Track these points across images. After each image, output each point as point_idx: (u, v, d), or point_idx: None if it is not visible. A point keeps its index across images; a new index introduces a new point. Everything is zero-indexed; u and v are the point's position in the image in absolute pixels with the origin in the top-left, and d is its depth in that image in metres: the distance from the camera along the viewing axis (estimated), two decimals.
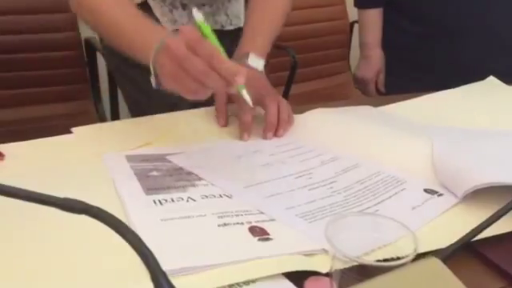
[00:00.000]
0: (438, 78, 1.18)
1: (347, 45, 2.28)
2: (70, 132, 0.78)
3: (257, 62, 0.86)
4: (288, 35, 2.01)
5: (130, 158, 0.70)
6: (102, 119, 1.69)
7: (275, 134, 0.82)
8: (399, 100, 0.98)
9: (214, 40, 0.66)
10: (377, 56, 1.36)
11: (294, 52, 1.79)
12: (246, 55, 0.85)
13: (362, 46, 1.40)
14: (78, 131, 0.78)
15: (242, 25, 1.12)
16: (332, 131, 0.82)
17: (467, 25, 1.21)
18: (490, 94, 1.08)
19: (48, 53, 1.64)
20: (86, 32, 1.73)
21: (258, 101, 0.82)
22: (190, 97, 0.64)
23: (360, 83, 1.42)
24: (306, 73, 1.98)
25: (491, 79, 1.14)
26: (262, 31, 0.95)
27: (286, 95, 1.85)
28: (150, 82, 0.71)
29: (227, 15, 1.10)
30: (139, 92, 1.05)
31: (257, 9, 0.98)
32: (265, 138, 0.82)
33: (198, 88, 0.62)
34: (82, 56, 1.71)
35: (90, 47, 1.69)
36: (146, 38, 0.71)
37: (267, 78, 0.90)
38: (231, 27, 1.11)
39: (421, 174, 0.68)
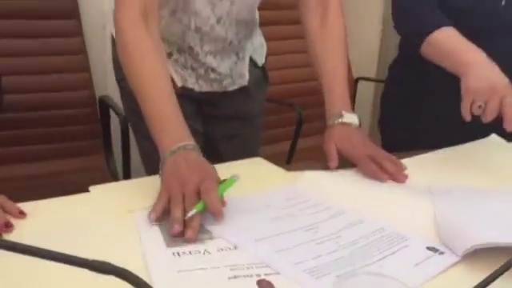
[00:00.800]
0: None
1: (352, 100, 2.35)
2: (87, 189, 0.82)
3: (352, 118, 0.97)
4: (294, 91, 2.09)
5: None
6: (114, 174, 1.73)
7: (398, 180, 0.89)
8: (403, 157, 1.01)
9: (222, 189, 0.74)
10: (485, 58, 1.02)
11: (299, 108, 1.85)
12: (340, 115, 0.96)
13: (461, 68, 1.02)
14: (96, 189, 0.82)
15: (245, 83, 1.19)
16: (339, 187, 0.85)
17: None
18: (491, 151, 1.11)
19: (64, 110, 1.71)
20: (100, 91, 1.81)
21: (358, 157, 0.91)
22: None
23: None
24: (313, 127, 2.04)
25: (493, 137, 1.17)
26: (339, 76, 1.03)
27: (292, 149, 1.90)
28: None
29: (232, 77, 1.17)
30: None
31: (324, 48, 1.05)
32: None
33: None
34: (96, 113, 1.77)
35: (104, 105, 1.76)
36: (166, 133, 0.80)
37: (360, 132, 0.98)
38: (234, 87, 1.18)
39: (423, 231, 0.71)
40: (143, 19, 0.87)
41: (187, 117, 0.92)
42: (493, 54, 1.02)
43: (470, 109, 0.96)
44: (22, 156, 1.65)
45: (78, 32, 1.74)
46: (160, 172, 0.78)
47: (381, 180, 0.88)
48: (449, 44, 1.08)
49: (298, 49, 2.04)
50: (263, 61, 1.26)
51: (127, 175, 1.68)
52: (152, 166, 1.18)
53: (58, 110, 1.70)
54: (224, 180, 0.76)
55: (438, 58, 1.11)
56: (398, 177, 0.89)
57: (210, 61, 1.10)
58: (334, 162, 0.93)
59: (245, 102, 1.22)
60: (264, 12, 1.21)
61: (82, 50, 1.74)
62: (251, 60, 1.21)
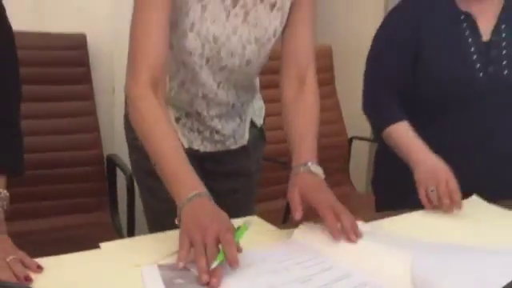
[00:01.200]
0: None
1: (347, 159, 2.45)
2: (94, 243, 0.89)
3: (317, 169, 1.03)
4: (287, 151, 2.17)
5: (161, 267, 0.82)
6: (118, 231, 1.81)
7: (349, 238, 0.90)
8: (390, 215, 1.09)
9: (238, 237, 0.84)
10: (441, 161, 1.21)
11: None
12: (306, 165, 1.01)
13: (412, 163, 1.24)
14: (106, 246, 0.91)
15: (246, 143, 1.29)
16: (329, 243, 0.92)
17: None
18: (473, 212, 1.17)
19: (74, 168, 1.81)
20: (108, 149, 1.91)
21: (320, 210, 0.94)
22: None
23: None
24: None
25: (475, 198, 1.25)
26: (309, 137, 1.09)
27: (287, 207, 1.97)
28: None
29: (234, 138, 1.27)
30: (157, 201, 1.20)
31: (296, 115, 1.13)
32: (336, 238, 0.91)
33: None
34: (103, 171, 1.87)
35: (111, 163, 1.86)
36: (180, 182, 0.90)
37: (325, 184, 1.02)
38: (236, 146, 1.28)
39: (402, 285, 0.79)
40: (153, 89, 0.98)
41: None
42: (467, 120, 1.16)
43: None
44: (34, 211, 1.73)
45: (90, 96, 1.86)
46: (177, 218, 0.87)
47: (333, 236, 0.91)
48: (400, 140, 1.29)
49: None
50: (261, 122, 1.36)
51: (131, 231, 1.75)
52: (154, 220, 1.27)
53: (69, 168, 1.80)
54: (238, 227, 0.86)
55: (393, 148, 1.31)
56: (351, 235, 0.91)
57: (216, 123, 1.21)
58: (299, 212, 0.96)
59: (244, 160, 1.32)
60: (263, 76, 1.32)
61: (92, 112, 1.86)
62: (251, 121, 1.32)
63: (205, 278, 0.76)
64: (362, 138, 2.45)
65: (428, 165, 1.20)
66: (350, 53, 2.46)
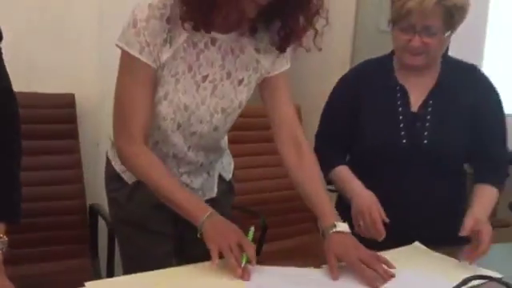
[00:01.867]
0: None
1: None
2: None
3: (343, 226, 1.24)
4: (259, 201, 2.34)
5: None
6: (98, 276, 1.92)
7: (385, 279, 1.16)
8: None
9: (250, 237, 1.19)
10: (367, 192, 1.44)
11: (264, 216, 2.11)
12: (334, 225, 1.23)
13: (350, 197, 1.46)
14: (91, 285, 1.05)
15: (214, 195, 1.46)
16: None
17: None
18: (414, 258, 1.34)
19: (59, 217, 1.95)
20: (91, 199, 2.06)
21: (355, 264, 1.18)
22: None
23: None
24: (277, 233, 2.29)
25: (417, 245, 1.43)
26: (326, 198, 1.30)
27: (257, 253, 2.12)
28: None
29: (202, 190, 1.44)
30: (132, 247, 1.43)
31: (307, 179, 1.32)
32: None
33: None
34: (86, 220, 2.01)
35: (94, 211, 2.00)
36: (194, 208, 1.19)
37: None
38: (205, 198, 1.42)
39: None
40: (146, 145, 1.22)
41: (159, 223, 1.32)
42: (396, 177, 1.45)
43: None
44: (20, 258, 1.84)
45: (76, 149, 2.03)
46: (199, 233, 1.15)
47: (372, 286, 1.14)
48: (341, 181, 1.54)
49: (263, 163, 2.35)
50: (230, 176, 1.53)
51: (110, 276, 1.86)
52: (131, 267, 1.42)
53: (54, 216, 1.94)
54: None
55: (338, 189, 1.56)
56: (385, 277, 1.16)
57: (185, 179, 1.38)
58: (335, 274, 1.18)
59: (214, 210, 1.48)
60: (231, 132, 1.48)
61: (78, 165, 2.02)
62: (220, 176, 1.49)
63: (239, 271, 1.09)
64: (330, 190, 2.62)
65: (355, 200, 1.43)
66: (318, 112, 2.67)
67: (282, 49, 1.27)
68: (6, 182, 1.15)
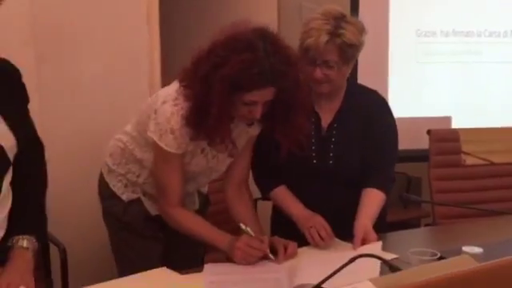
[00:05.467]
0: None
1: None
2: None
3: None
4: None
5: None
6: None
7: None
8: None
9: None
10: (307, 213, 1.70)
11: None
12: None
13: (292, 216, 1.72)
14: None
15: (197, 207, 1.82)
16: None
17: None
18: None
19: None
20: None
21: None
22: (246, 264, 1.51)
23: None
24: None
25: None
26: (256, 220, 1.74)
27: None
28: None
29: (187, 205, 1.75)
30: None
31: (243, 205, 1.73)
32: None
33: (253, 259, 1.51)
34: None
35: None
36: (219, 240, 1.56)
37: None
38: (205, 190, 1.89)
39: None
40: (178, 203, 1.61)
41: (151, 230, 1.70)
42: (308, 191, 1.71)
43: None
44: None
45: None
46: (228, 256, 1.53)
47: None
48: (280, 202, 1.79)
49: None
50: (206, 190, 1.89)
51: None
52: (127, 269, 1.65)
53: None
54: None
55: (279, 207, 1.81)
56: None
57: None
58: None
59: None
60: None
61: None
62: (198, 191, 1.84)
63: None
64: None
65: (303, 214, 1.70)
66: None
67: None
68: (36, 208, 1.47)
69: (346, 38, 1.61)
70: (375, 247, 1.59)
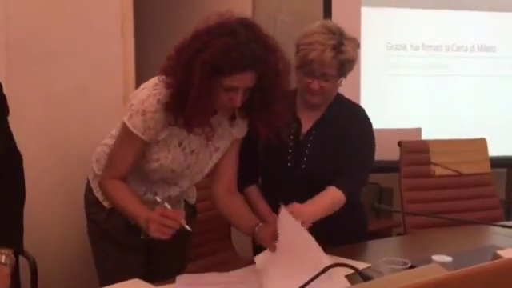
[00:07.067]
0: None
1: (229, 228, 2.83)
2: None
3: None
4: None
5: None
6: None
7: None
8: None
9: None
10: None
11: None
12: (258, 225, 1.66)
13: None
14: None
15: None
16: None
17: None
18: None
19: None
20: None
21: None
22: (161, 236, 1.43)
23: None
24: (193, 252, 2.47)
25: None
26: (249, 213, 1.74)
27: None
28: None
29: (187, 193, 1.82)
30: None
31: (238, 204, 1.75)
32: None
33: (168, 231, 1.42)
34: None
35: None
36: (138, 213, 1.51)
37: None
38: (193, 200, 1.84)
39: None
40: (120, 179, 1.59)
41: (131, 239, 1.65)
42: (282, 195, 1.69)
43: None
44: None
45: None
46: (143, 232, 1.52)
47: None
48: (250, 202, 1.80)
49: None
50: (194, 201, 1.88)
51: None
52: (107, 278, 1.67)
53: None
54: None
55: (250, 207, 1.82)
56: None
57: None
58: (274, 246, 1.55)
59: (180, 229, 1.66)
60: None
61: None
62: (186, 201, 1.83)
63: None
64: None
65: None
66: None
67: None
68: (13, 219, 1.46)
69: (349, 55, 1.71)
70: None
